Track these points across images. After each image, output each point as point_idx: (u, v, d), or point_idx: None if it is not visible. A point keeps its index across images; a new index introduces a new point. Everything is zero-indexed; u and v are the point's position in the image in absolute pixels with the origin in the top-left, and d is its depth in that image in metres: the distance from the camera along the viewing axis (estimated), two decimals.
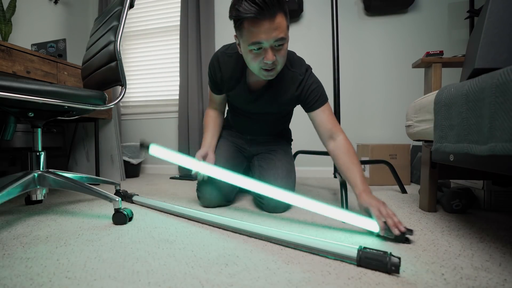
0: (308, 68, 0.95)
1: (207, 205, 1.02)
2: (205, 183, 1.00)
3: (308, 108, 0.94)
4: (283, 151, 1.10)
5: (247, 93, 0.97)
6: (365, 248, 0.54)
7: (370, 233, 0.73)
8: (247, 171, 1.20)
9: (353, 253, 0.54)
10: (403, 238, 0.66)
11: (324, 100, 0.93)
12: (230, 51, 0.94)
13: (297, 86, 0.93)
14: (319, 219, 0.87)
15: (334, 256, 0.57)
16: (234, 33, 0.82)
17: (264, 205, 0.95)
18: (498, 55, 0.64)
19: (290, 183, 0.99)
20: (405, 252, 0.61)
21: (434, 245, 0.64)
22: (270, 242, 0.67)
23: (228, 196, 1.03)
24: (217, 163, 1.00)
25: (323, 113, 0.92)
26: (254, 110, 1.04)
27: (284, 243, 0.64)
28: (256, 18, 0.71)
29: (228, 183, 0.91)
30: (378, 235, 0.70)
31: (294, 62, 0.94)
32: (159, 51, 2.27)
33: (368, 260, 0.52)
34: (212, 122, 1.08)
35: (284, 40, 0.76)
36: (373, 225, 0.69)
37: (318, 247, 0.59)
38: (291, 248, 0.64)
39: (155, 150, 0.96)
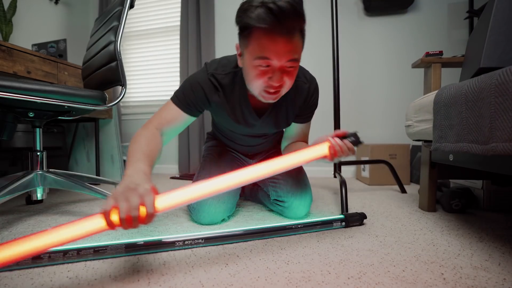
0: (307, 72, 0.84)
1: (208, 222, 0.83)
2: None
3: (298, 119, 0.86)
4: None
5: (252, 116, 0.81)
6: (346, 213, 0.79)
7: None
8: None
9: (341, 217, 0.78)
10: (356, 143, 0.65)
11: (311, 117, 0.90)
12: (220, 71, 0.76)
13: (304, 98, 0.82)
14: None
15: (328, 227, 0.75)
16: (237, 42, 0.68)
17: (285, 208, 0.87)
18: (504, 54, 0.63)
19: (306, 184, 0.92)
20: (405, 251, 0.61)
21: (434, 245, 0.65)
22: (273, 234, 0.68)
23: (233, 207, 0.90)
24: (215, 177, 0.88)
25: (306, 128, 0.90)
26: (256, 131, 0.89)
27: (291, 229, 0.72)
28: (270, 31, 0.57)
29: (233, 190, 0.83)
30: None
31: None
32: (160, 51, 2.28)
33: (351, 218, 0.78)
34: (147, 145, 0.63)
35: (297, 62, 0.63)
36: (323, 149, 0.64)
37: (315, 222, 0.75)
38: (298, 233, 0.70)
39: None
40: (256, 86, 0.66)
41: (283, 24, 0.56)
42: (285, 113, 0.83)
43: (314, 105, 0.86)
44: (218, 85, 0.76)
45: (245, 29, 0.61)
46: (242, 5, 0.60)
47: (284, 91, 0.68)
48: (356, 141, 0.65)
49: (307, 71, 0.85)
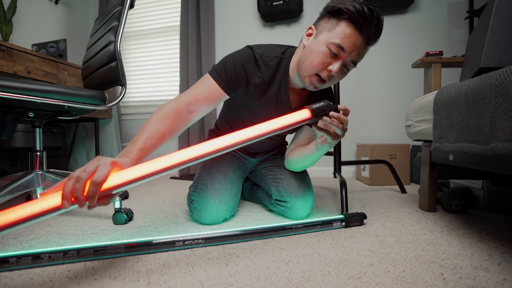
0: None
1: (210, 222, 0.82)
2: (206, 193, 0.83)
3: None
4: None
5: (287, 104, 0.81)
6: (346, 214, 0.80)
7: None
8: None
9: (341, 217, 0.78)
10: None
11: None
12: (267, 54, 0.77)
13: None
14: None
15: (328, 227, 0.76)
16: (313, 24, 0.74)
17: (288, 208, 0.87)
18: (504, 54, 0.63)
19: (309, 185, 0.92)
20: (405, 251, 0.61)
21: (434, 245, 0.65)
22: (273, 235, 0.68)
23: (234, 207, 0.89)
24: (216, 177, 0.86)
25: (315, 135, 0.85)
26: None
27: (291, 229, 0.72)
28: (359, 26, 0.65)
29: (235, 190, 0.86)
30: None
31: None
32: (159, 51, 2.28)
33: (351, 218, 0.78)
34: (160, 123, 0.61)
35: (354, 65, 0.71)
36: (305, 113, 0.60)
37: (315, 222, 0.75)
38: (298, 233, 0.71)
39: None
40: (312, 68, 0.70)
41: (367, 26, 0.65)
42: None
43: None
44: (263, 64, 0.76)
45: (337, 14, 0.67)
46: None
47: (327, 84, 0.73)
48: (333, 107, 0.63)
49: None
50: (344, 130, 0.65)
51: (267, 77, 0.77)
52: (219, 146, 0.49)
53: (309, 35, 0.73)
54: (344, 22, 0.66)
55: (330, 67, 0.68)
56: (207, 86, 0.71)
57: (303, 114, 0.59)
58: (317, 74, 0.70)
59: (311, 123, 0.62)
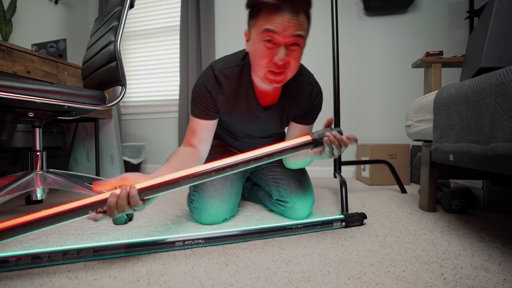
0: (312, 76, 0.85)
1: (210, 222, 0.83)
2: (206, 193, 0.83)
3: (299, 120, 0.85)
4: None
5: (258, 108, 0.80)
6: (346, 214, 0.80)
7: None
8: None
9: (341, 217, 0.79)
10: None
11: (314, 120, 0.87)
12: (228, 66, 0.78)
13: (308, 98, 0.82)
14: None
15: (328, 227, 0.76)
16: (246, 29, 0.72)
17: (288, 209, 0.87)
18: (505, 54, 0.63)
19: (309, 185, 0.92)
20: (405, 252, 0.61)
21: (434, 245, 0.64)
22: (273, 235, 0.68)
23: (235, 208, 0.90)
24: (216, 178, 0.86)
25: (308, 131, 0.84)
26: (258, 132, 0.91)
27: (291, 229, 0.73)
28: (277, 7, 0.61)
29: (235, 190, 0.86)
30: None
31: (301, 68, 0.81)
32: (159, 51, 2.28)
33: (351, 218, 0.78)
34: (173, 160, 0.71)
35: (301, 38, 0.64)
36: (306, 138, 0.62)
37: (315, 222, 0.75)
38: (298, 233, 0.72)
39: None
40: (262, 66, 0.67)
41: (289, 2, 0.60)
42: (288, 110, 0.83)
43: (318, 108, 0.86)
44: (224, 80, 0.77)
45: (254, 7, 0.65)
46: None
47: (289, 74, 0.69)
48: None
49: (312, 75, 0.85)
50: (341, 152, 0.65)
51: (231, 89, 0.78)
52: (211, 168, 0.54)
53: (247, 40, 0.72)
54: (262, 12, 0.63)
55: (275, 58, 0.64)
56: (192, 123, 0.80)
57: (304, 139, 0.61)
58: (269, 70, 0.67)
59: (315, 146, 0.63)
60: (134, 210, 0.50)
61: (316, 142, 0.62)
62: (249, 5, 0.66)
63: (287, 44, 0.64)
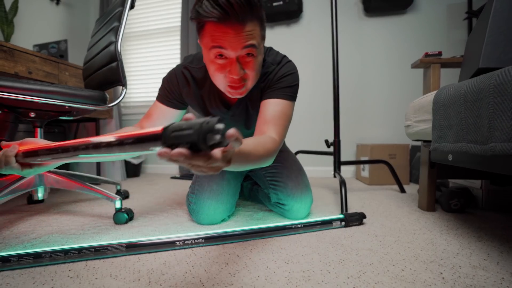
0: (285, 57, 0.78)
1: (208, 223, 0.83)
2: (203, 194, 0.83)
3: (263, 96, 0.74)
4: (283, 151, 1.03)
5: (221, 109, 0.80)
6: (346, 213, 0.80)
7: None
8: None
9: (341, 216, 0.79)
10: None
11: (286, 94, 0.72)
12: (195, 64, 0.77)
13: (266, 77, 0.74)
14: None
15: (327, 227, 0.76)
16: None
17: (286, 211, 0.87)
18: (503, 54, 0.64)
19: (307, 185, 0.91)
20: (404, 251, 0.61)
21: (433, 244, 0.65)
22: (273, 234, 0.68)
23: (232, 207, 0.90)
24: (214, 177, 0.85)
25: (274, 107, 0.70)
26: (231, 124, 0.84)
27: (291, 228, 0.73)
28: (219, 22, 0.56)
29: (232, 190, 0.86)
30: None
31: (267, 54, 0.76)
32: (160, 51, 2.28)
33: (351, 218, 0.78)
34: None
35: (254, 48, 0.59)
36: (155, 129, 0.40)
37: (315, 222, 0.75)
38: (298, 233, 0.72)
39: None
40: (219, 82, 0.65)
41: (232, 14, 0.55)
42: (256, 104, 0.77)
43: (283, 78, 0.73)
44: (190, 77, 0.78)
45: (198, 24, 0.60)
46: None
47: (250, 84, 0.66)
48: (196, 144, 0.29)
49: (281, 55, 0.78)
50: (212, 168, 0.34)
51: (195, 87, 0.78)
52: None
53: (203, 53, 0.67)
54: (207, 27, 0.59)
55: (230, 75, 0.62)
56: (153, 106, 0.80)
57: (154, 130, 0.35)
58: (228, 85, 0.64)
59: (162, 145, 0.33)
60: (12, 168, 0.46)
61: (168, 138, 0.30)
62: (192, 20, 0.62)
63: (240, 56, 0.60)
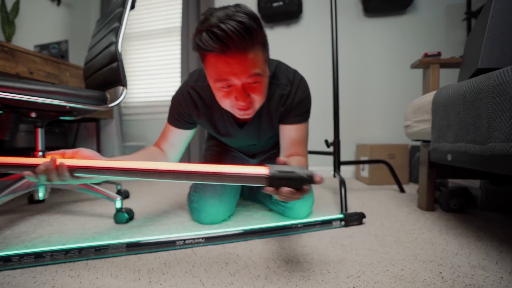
0: (295, 73, 0.78)
1: (209, 222, 0.83)
2: (206, 193, 0.83)
3: (284, 120, 0.78)
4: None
5: (233, 127, 0.80)
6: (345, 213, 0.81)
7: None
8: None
9: (341, 216, 0.79)
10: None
11: (305, 118, 0.78)
12: (201, 82, 0.77)
13: (285, 99, 0.76)
14: None
15: (327, 226, 0.77)
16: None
17: (288, 209, 0.87)
18: (502, 54, 0.64)
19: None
20: (403, 251, 0.61)
21: (432, 244, 0.65)
22: (273, 234, 0.69)
23: (233, 207, 0.91)
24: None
25: (297, 133, 0.77)
26: (241, 144, 0.91)
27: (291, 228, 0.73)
28: (220, 55, 0.56)
29: (234, 191, 0.86)
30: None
31: (277, 72, 0.76)
32: (161, 52, 2.28)
33: (350, 218, 0.79)
34: (145, 154, 0.74)
35: (260, 76, 0.60)
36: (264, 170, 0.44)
37: (315, 221, 0.76)
38: (298, 233, 0.73)
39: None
40: (226, 106, 0.67)
41: (232, 46, 0.54)
42: (268, 119, 0.79)
43: (301, 103, 0.77)
44: (198, 98, 0.78)
45: (200, 54, 0.61)
46: (196, 27, 0.59)
47: (257, 105, 0.67)
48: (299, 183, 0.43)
49: (292, 71, 0.78)
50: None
51: (205, 107, 0.78)
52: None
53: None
54: (208, 58, 0.59)
55: (236, 101, 0.62)
56: (166, 129, 0.83)
57: (261, 170, 0.44)
58: (234, 108, 0.65)
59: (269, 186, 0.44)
60: (62, 180, 0.48)
61: (273, 181, 0.42)
62: (194, 50, 0.61)
63: (245, 84, 0.61)
